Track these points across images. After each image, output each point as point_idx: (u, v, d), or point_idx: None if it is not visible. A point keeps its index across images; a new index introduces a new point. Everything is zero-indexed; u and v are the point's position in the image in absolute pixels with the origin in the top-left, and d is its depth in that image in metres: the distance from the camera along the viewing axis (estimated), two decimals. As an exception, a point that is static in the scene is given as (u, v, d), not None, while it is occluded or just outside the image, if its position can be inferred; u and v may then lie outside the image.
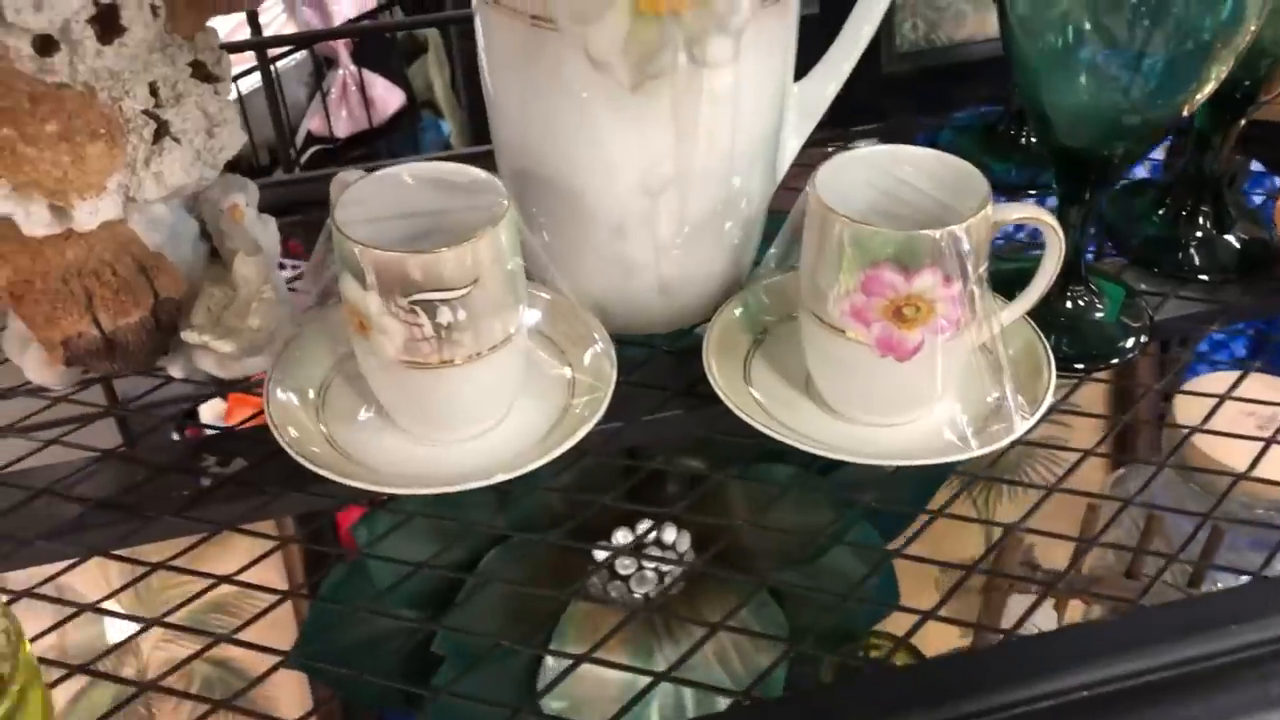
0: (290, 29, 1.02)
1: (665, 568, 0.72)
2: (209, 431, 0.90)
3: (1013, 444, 0.49)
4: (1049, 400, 0.50)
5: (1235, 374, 0.57)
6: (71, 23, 0.47)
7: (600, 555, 0.72)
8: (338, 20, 1.04)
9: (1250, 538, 0.80)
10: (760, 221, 0.58)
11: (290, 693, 0.92)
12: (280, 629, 0.87)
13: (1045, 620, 0.87)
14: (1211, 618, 0.43)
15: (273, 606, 0.47)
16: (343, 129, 1.05)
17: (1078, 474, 0.53)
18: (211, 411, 1.05)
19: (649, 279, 0.55)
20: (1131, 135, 0.51)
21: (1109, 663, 0.42)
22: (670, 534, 0.72)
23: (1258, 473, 0.52)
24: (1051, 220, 0.48)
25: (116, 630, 0.85)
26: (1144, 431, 0.99)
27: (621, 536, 0.71)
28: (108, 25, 0.48)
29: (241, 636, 0.45)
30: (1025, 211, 0.48)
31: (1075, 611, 0.84)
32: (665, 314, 0.57)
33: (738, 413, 0.49)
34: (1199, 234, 0.63)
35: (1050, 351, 0.52)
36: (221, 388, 0.58)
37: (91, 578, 0.86)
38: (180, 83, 0.52)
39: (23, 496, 0.50)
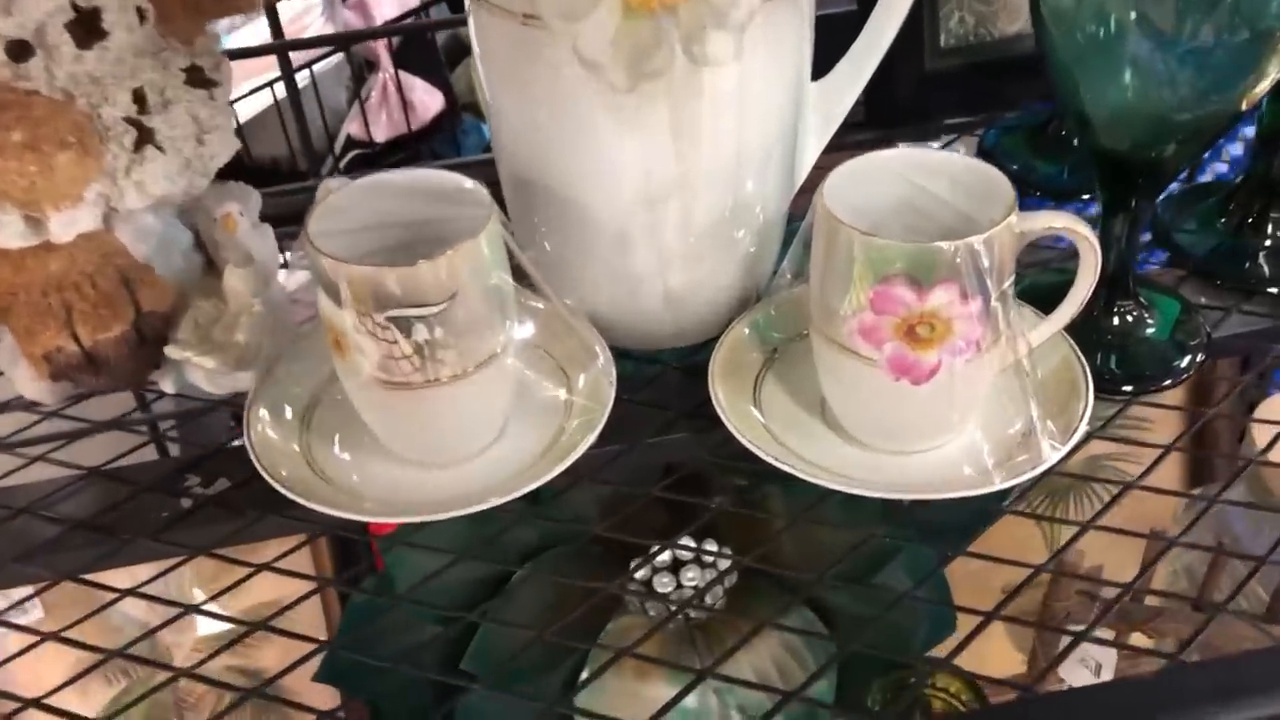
0: (330, 31, 1.01)
1: (705, 581, 0.68)
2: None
3: (1042, 475, 0.45)
4: (1084, 428, 0.45)
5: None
6: (46, 27, 0.45)
7: (639, 573, 0.69)
8: (379, 22, 1.02)
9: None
10: (778, 229, 0.54)
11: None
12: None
13: (1102, 651, 0.82)
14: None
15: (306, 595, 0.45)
16: (381, 133, 1.03)
17: (1147, 501, 0.49)
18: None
19: (655, 292, 0.51)
20: (1181, 135, 0.46)
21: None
22: (711, 549, 0.69)
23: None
24: (1085, 230, 0.43)
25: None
26: (1219, 458, 0.93)
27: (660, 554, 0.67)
28: (88, 30, 0.47)
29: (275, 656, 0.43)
30: (1056, 220, 0.43)
31: (1139, 641, 0.79)
32: (673, 329, 0.53)
33: (741, 439, 0.46)
34: (1267, 242, 0.58)
35: (1088, 373, 0.47)
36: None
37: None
38: (169, 89, 0.50)
39: (2, 515, 0.49)
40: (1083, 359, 0.48)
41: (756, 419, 0.48)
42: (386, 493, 0.47)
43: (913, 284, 0.41)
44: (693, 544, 0.68)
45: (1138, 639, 0.78)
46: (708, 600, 0.71)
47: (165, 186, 0.49)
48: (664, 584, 0.68)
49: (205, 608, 0.48)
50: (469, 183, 0.46)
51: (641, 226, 0.49)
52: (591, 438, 0.46)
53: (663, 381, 0.53)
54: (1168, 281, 0.57)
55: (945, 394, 0.44)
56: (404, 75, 1.02)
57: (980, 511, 0.72)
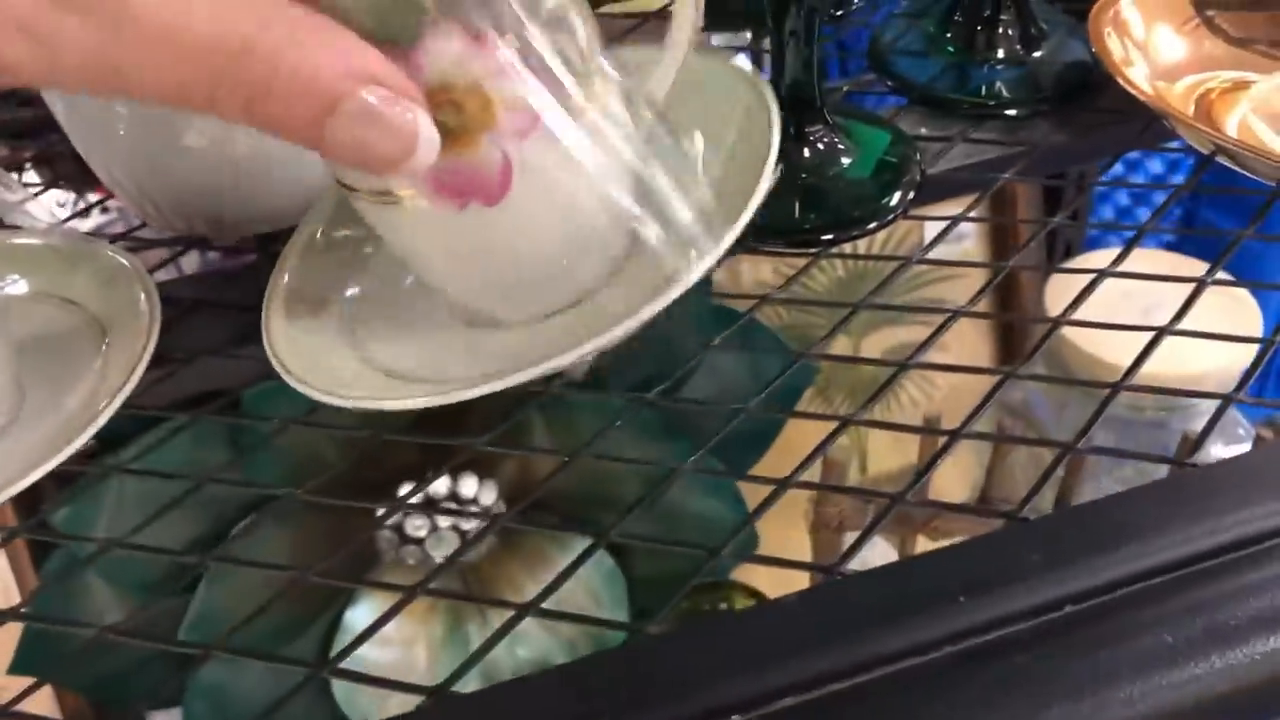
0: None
1: (466, 525, 0.55)
2: None
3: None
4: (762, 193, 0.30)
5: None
6: None
7: (386, 516, 0.55)
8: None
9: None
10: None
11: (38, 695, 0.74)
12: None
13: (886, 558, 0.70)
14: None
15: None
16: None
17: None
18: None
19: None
20: None
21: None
22: (470, 486, 0.55)
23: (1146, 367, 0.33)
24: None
25: None
26: (1030, 331, 0.83)
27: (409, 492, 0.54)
28: None
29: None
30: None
31: (923, 546, 0.67)
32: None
33: (278, 366, 0.31)
34: (1000, 54, 0.47)
35: (773, 104, 0.33)
36: None
37: None
38: None
39: None
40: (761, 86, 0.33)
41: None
42: None
43: (396, 51, 0.26)
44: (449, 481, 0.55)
45: (923, 544, 0.65)
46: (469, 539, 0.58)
47: None
48: (417, 527, 0.55)
49: None
50: None
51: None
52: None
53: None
54: (885, 115, 0.46)
55: (544, 201, 0.29)
56: None
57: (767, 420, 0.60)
